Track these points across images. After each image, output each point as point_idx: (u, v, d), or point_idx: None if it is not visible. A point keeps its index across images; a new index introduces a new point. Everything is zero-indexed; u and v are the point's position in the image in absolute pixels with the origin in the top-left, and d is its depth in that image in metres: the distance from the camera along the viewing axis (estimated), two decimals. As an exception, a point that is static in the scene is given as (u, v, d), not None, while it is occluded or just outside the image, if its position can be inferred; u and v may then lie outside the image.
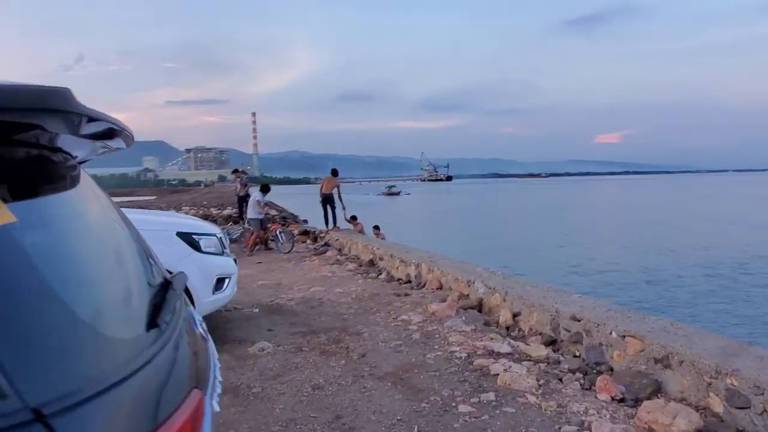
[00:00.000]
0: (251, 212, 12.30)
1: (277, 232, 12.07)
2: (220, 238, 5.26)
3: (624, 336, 4.30)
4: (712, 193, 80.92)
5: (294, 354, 4.76)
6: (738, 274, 16.10)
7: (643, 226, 33.76)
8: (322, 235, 14.18)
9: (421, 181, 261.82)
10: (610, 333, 4.43)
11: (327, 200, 13.48)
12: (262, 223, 12.36)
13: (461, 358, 4.48)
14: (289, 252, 11.59)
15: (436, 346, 4.81)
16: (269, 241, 12.33)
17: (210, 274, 4.94)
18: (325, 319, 5.91)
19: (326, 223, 13.94)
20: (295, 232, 15.13)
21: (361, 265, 10.08)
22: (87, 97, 1.05)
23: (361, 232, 13.78)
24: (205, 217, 28.12)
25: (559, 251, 22.57)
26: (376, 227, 14.21)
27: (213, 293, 4.96)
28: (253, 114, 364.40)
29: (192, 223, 5.25)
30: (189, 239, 4.84)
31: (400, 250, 9.47)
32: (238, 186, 17.42)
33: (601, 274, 16.59)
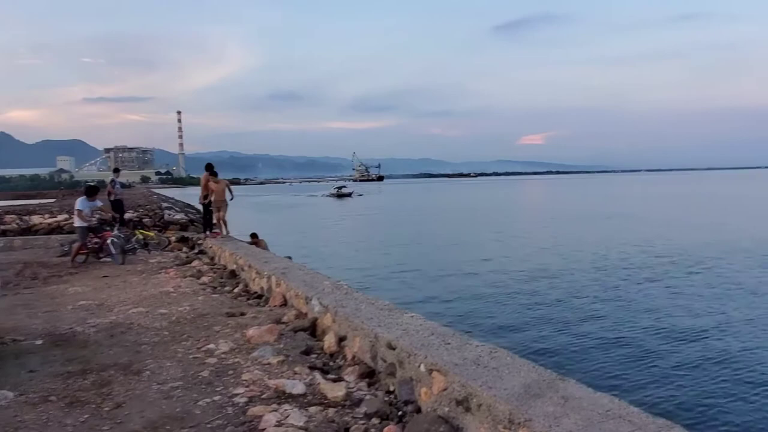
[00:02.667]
0: (75, 221, 10.95)
1: (109, 242, 10.77)
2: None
3: (431, 370, 3.58)
4: (624, 192, 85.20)
5: (33, 407, 3.70)
6: (619, 270, 16.31)
7: (550, 223, 34.54)
8: (199, 242, 12.97)
9: (353, 181, 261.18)
10: (419, 366, 3.70)
11: (208, 203, 12.29)
12: (96, 231, 11.03)
13: (239, 404, 3.60)
14: (122, 263, 10.39)
15: (220, 388, 3.90)
16: (100, 253, 10.99)
17: None
18: (116, 351, 4.87)
19: (204, 228, 12.77)
20: (172, 239, 13.87)
21: (222, 277, 9.06)
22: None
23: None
24: (102, 222, 25.85)
25: (472, 249, 22.42)
26: (254, 235, 13.13)
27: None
28: (179, 112, 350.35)
29: None
30: None
31: (260, 260, 8.52)
32: (109, 188, 15.78)
33: (492, 275, 16.36)
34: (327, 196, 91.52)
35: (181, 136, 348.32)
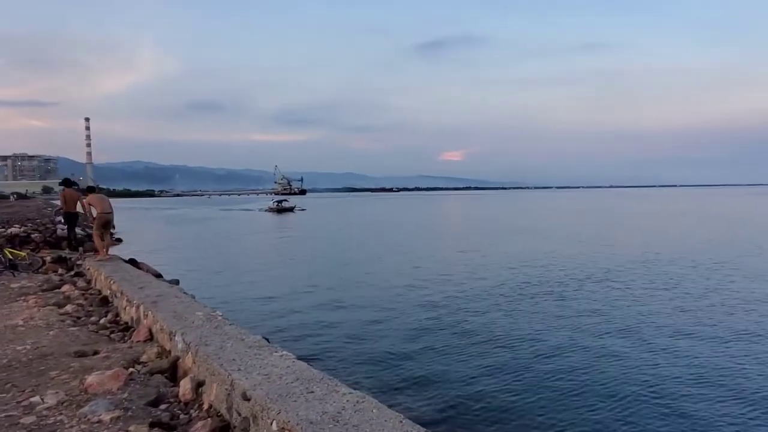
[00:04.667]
0: None
1: None
2: None
3: (283, 430, 3.02)
4: (536, 207, 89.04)
5: None
6: (521, 292, 16.52)
7: (467, 238, 35.12)
8: (78, 263, 11.67)
9: (275, 194, 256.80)
10: (271, 424, 3.13)
11: (71, 219, 11.18)
12: None
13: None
14: None
15: (22, 461, 3.13)
16: None
17: None
18: None
19: (70, 246, 11.77)
20: (47, 259, 12.43)
21: (92, 305, 8.03)
22: None
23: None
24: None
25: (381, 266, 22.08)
26: (132, 261, 12.00)
27: None
28: (87, 119, 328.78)
29: None
30: None
31: (135, 285, 7.59)
32: None
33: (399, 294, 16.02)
34: (265, 210, 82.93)
35: (89, 145, 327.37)
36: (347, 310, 13.47)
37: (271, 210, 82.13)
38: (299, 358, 7.11)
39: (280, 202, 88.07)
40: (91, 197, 10.82)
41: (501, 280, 18.28)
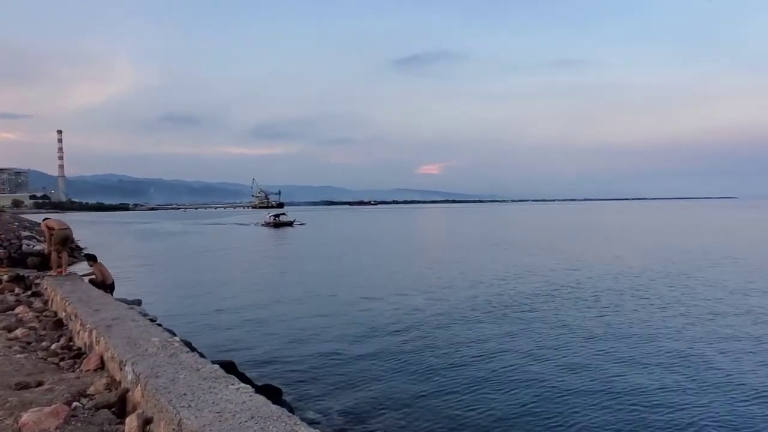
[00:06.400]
0: None
1: None
2: None
3: (230, 479, 2.70)
4: (520, 221, 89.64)
5: None
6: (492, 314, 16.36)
7: (443, 253, 35.02)
8: (37, 282, 11.12)
9: (252, 208, 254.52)
10: (219, 471, 2.82)
11: None
12: None
13: None
14: None
15: None
16: None
17: None
18: None
19: None
20: (4, 278, 11.84)
21: (45, 328, 7.57)
22: None
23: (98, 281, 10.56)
24: None
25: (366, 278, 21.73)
26: (91, 258, 11.31)
27: None
28: (59, 132, 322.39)
29: None
30: None
31: (91, 307, 7.16)
32: None
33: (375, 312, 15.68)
34: (261, 225, 77.13)
35: (61, 158, 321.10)
36: (324, 333, 13.03)
37: (267, 224, 76.47)
38: (264, 386, 6.76)
39: (277, 215, 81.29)
40: (49, 220, 10.59)
41: (477, 294, 18.10)
